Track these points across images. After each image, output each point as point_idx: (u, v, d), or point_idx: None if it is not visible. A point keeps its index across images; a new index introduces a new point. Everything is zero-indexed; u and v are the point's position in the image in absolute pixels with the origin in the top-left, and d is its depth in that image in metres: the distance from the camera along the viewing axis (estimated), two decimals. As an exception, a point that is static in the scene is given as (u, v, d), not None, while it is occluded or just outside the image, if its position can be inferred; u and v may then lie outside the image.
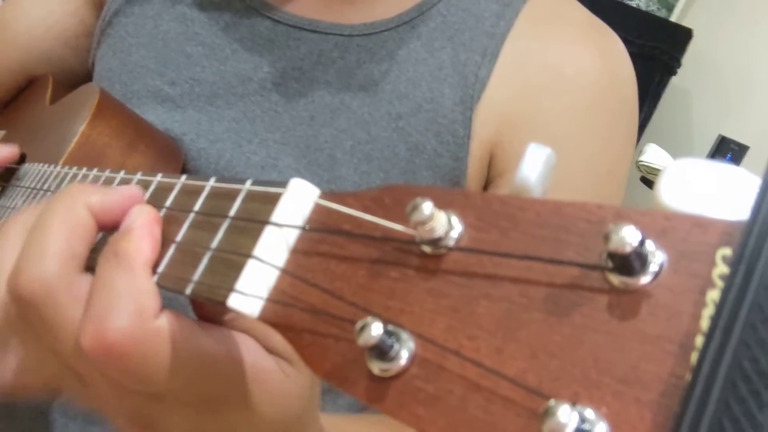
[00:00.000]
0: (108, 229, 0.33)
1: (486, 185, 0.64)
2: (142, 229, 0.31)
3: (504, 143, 0.61)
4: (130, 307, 0.29)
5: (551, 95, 0.60)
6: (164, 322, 0.30)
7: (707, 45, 2.13)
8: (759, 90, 2.03)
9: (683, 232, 0.19)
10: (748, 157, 1.92)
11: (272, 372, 0.33)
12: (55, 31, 0.75)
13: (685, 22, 2.24)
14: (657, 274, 0.19)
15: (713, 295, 0.18)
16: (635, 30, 1.92)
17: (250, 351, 0.33)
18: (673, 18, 2.31)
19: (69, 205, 0.33)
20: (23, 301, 0.31)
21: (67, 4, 0.75)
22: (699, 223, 0.19)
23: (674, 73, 2.08)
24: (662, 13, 2.32)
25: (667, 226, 0.19)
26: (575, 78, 0.61)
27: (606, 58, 0.62)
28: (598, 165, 0.60)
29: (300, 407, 0.35)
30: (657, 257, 0.19)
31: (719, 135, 2.01)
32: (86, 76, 0.74)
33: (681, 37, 2.06)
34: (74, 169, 0.46)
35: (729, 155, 1.94)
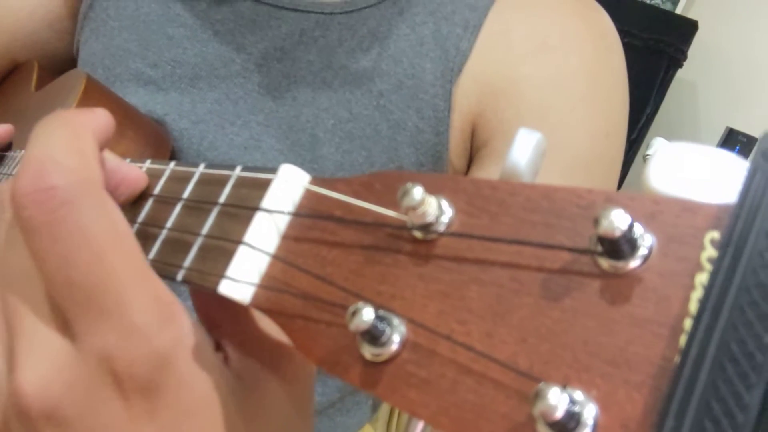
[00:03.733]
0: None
1: (470, 157, 0.63)
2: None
3: (487, 113, 0.60)
4: (74, 160, 0.25)
5: (536, 64, 0.60)
6: (116, 210, 0.26)
7: (713, 37, 2.13)
8: (766, 81, 2.04)
9: (672, 216, 0.19)
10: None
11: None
12: (39, 13, 0.74)
13: (691, 14, 2.24)
14: (646, 258, 0.19)
15: (702, 278, 0.18)
16: (640, 23, 1.92)
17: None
18: (679, 10, 2.31)
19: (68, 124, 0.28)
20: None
21: None
22: (687, 207, 0.19)
23: (680, 65, 2.08)
24: (667, 6, 2.32)
25: (656, 210, 0.19)
26: (561, 46, 0.60)
27: (591, 26, 0.62)
28: (596, 129, 0.60)
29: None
30: (646, 241, 0.19)
31: (727, 127, 2.01)
32: (71, 62, 0.73)
33: (686, 29, 2.05)
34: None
35: (737, 147, 1.95)
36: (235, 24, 0.64)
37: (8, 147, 0.65)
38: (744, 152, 1.92)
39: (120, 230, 0.26)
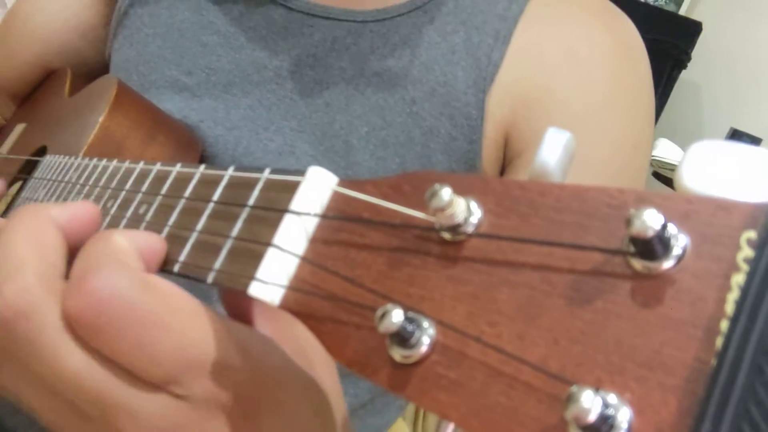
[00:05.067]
0: (74, 245, 0.31)
1: (503, 167, 0.63)
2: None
3: (519, 124, 0.60)
4: (111, 260, 0.26)
5: (567, 74, 0.60)
6: (158, 279, 0.27)
7: (717, 38, 2.11)
8: (771, 81, 2.02)
9: (706, 215, 0.19)
10: None
11: (307, 378, 0.31)
12: (71, 23, 0.75)
13: (694, 16, 2.22)
14: (680, 259, 0.19)
15: (738, 278, 0.17)
16: (644, 24, 1.90)
17: (280, 351, 0.31)
18: (682, 11, 2.29)
19: (30, 218, 0.30)
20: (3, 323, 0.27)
21: None
22: (722, 206, 0.18)
23: (684, 66, 2.06)
24: (671, 7, 2.29)
25: (690, 210, 0.19)
26: (590, 58, 0.60)
27: (619, 38, 0.62)
28: (624, 140, 0.60)
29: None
30: (680, 241, 0.19)
31: (731, 128, 1.99)
32: (103, 68, 0.74)
33: (690, 30, 2.04)
34: (94, 161, 0.47)
35: None
36: (268, 31, 0.64)
37: (43, 152, 0.66)
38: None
39: (169, 294, 0.27)
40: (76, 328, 0.26)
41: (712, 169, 0.19)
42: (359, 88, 0.61)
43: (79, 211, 0.32)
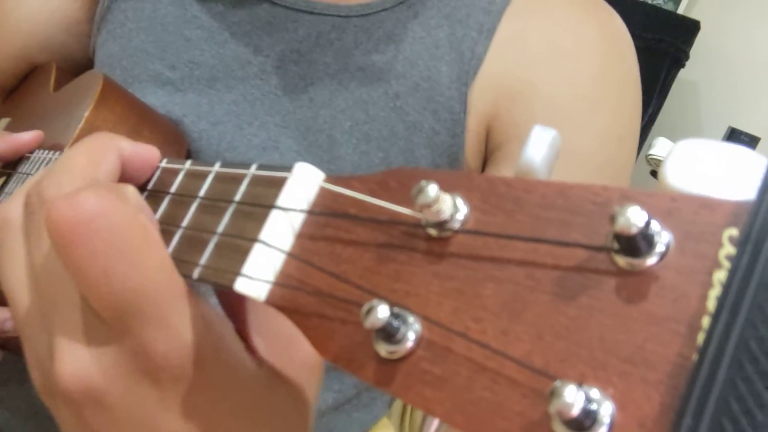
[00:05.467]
0: (127, 178, 0.33)
1: (485, 159, 0.64)
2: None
3: (501, 116, 0.61)
4: (109, 187, 0.27)
5: (550, 67, 0.60)
6: (150, 222, 0.27)
7: (715, 37, 2.12)
8: (768, 80, 2.03)
9: (690, 213, 0.19)
10: (759, 149, 1.91)
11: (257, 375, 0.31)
12: (56, 17, 0.75)
13: (693, 15, 2.23)
14: (663, 255, 0.19)
15: (720, 275, 0.18)
16: (642, 23, 1.91)
17: (235, 339, 0.31)
18: (680, 10, 2.30)
19: (98, 142, 0.32)
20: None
21: None
22: (705, 204, 0.19)
23: (682, 65, 2.07)
24: (669, 6, 2.30)
25: (673, 207, 0.19)
26: (574, 49, 0.60)
27: (604, 29, 0.62)
28: (608, 133, 0.60)
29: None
30: (663, 238, 0.19)
31: (729, 127, 2.00)
32: (88, 63, 0.74)
33: (688, 29, 2.05)
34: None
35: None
36: (252, 26, 0.64)
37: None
38: (746, 152, 1.91)
39: (152, 238, 0.27)
40: (51, 225, 0.26)
41: (696, 168, 0.19)
42: (343, 82, 0.61)
43: (145, 152, 0.34)
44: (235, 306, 0.33)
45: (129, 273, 0.26)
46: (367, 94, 0.61)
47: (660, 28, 1.98)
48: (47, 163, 0.52)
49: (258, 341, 0.32)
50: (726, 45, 2.17)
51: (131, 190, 0.29)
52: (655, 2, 2.29)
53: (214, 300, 0.33)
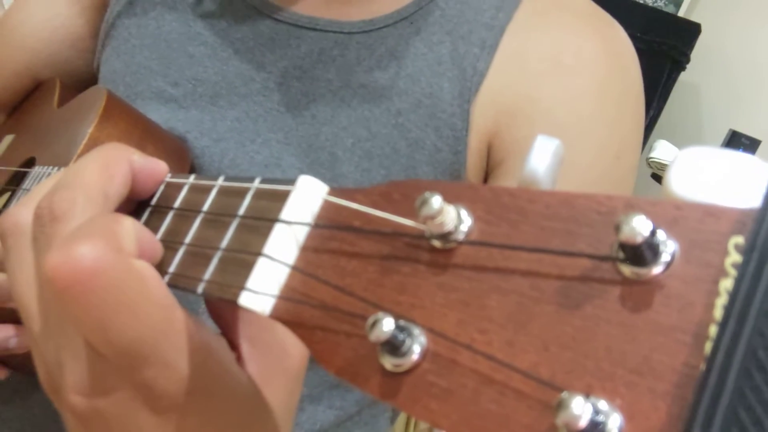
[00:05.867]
0: (135, 192, 0.33)
1: (486, 176, 0.63)
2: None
3: (502, 132, 0.60)
4: (104, 233, 0.27)
5: (551, 83, 0.60)
6: (146, 267, 0.28)
7: (716, 39, 2.12)
8: (769, 83, 2.03)
9: (695, 221, 0.19)
10: (760, 152, 1.91)
11: (242, 383, 0.32)
12: (61, 33, 0.75)
13: (693, 17, 2.23)
14: (669, 264, 0.19)
15: (726, 284, 0.17)
16: (643, 26, 1.92)
17: (226, 351, 0.31)
18: (681, 13, 2.30)
19: (112, 153, 0.32)
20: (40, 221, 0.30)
21: (72, 6, 0.75)
22: (711, 212, 0.18)
23: (683, 68, 2.07)
24: (669, 9, 2.31)
25: (679, 215, 0.19)
26: (575, 66, 0.60)
27: (607, 45, 0.62)
28: (606, 150, 0.60)
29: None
30: (668, 247, 0.19)
31: (730, 129, 2.00)
32: (92, 79, 0.74)
33: (689, 32, 2.05)
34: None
35: (741, 149, 1.93)
36: (255, 43, 0.64)
37: (31, 163, 0.65)
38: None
39: (148, 285, 0.27)
40: (49, 279, 0.26)
41: (700, 175, 0.19)
42: (345, 99, 0.61)
43: (154, 165, 0.34)
44: (225, 315, 0.33)
45: (127, 324, 0.26)
46: (370, 111, 0.61)
47: (661, 31, 1.98)
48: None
49: (248, 350, 0.33)
50: (727, 47, 2.17)
51: (127, 227, 0.29)
52: (655, 4, 2.29)
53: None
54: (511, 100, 0.60)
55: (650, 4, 2.28)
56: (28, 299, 0.31)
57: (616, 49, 0.63)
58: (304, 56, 0.63)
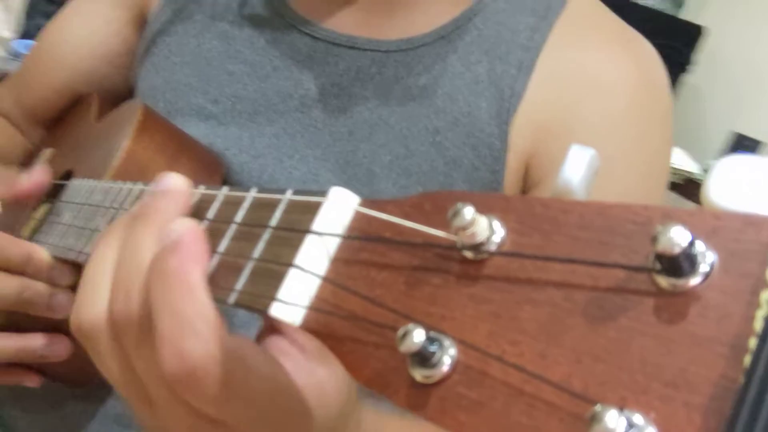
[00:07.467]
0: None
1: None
2: (191, 244, 0.29)
3: (540, 153, 0.60)
4: (204, 328, 0.27)
5: (588, 103, 0.60)
6: (238, 343, 0.29)
7: (719, 42, 2.11)
8: (772, 85, 2.01)
9: (734, 231, 0.18)
10: (763, 153, 1.89)
11: (324, 383, 0.32)
12: (99, 50, 0.76)
13: (696, 20, 2.21)
14: (707, 275, 0.18)
15: (767, 295, 0.17)
16: (646, 28, 1.89)
17: (302, 368, 0.32)
18: (684, 15, 2.29)
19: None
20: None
21: (110, 24, 0.76)
22: (751, 221, 0.18)
23: (686, 70, 2.05)
24: (673, 11, 2.29)
25: (717, 225, 0.19)
26: (612, 86, 0.60)
27: (640, 64, 0.62)
28: (636, 166, 0.60)
29: (341, 404, 0.34)
30: (707, 258, 0.18)
31: (733, 131, 1.98)
32: (129, 94, 0.75)
33: (692, 34, 2.04)
34: (119, 184, 0.47)
35: (744, 151, 1.91)
36: (294, 60, 0.65)
37: (69, 176, 0.66)
38: (750, 156, 1.88)
39: (249, 364, 0.30)
40: (170, 383, 0.28)
41: (739, 184, 0.19)
42: (383, 117, 0.62)
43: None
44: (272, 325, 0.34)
45: (229, 396, 0.29)
46: (408, 128, 0.61)
47: (663, 33, 1.97)
48: (89, 191, 0.53)
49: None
50: (730, 50, 2.15)
51: (204, 302, 0.29)
52: (658, 7, 2.28)
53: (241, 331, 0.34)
54: (548, 120, 0.60)
55: (653, 7, 2.27)
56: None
57: (647, 66, 0.63)
58: (342, 74, 0.63)
